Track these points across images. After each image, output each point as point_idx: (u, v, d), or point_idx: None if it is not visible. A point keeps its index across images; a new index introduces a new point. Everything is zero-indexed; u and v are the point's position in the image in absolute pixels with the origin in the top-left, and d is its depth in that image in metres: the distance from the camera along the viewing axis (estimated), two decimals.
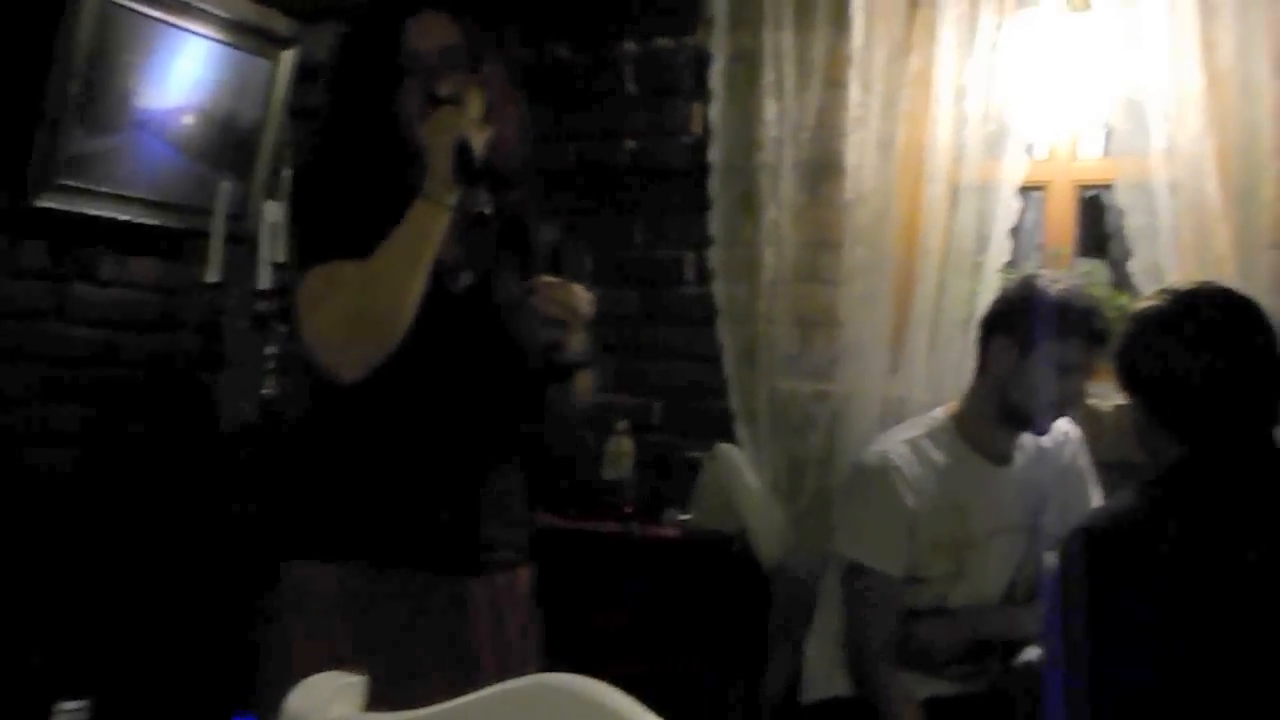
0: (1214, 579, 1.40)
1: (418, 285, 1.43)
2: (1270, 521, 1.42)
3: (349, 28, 1.58)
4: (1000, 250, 2.41)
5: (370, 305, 1.42)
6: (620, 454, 2.69)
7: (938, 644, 2.04)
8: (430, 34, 1.48)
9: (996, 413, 2.05)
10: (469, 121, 1.45)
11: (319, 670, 0.88)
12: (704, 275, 2.76)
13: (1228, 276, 2.18)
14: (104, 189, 2.61)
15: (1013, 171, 2.40)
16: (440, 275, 1.49)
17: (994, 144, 2.40)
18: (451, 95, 1.46)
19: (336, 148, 1.55)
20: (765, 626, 2.58)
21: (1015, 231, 2.46)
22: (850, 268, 2.54)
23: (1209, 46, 2.23)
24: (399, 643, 1.48)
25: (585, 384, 1.62)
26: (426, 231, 1.43)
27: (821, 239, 2.63)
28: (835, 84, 2.57)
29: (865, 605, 2.03)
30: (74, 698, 1.91)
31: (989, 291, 2.34)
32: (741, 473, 2.59)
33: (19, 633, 2.39)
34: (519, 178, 1.60)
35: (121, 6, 2.47)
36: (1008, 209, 2.40)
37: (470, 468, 1.55)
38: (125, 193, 2.65)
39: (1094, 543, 1.46)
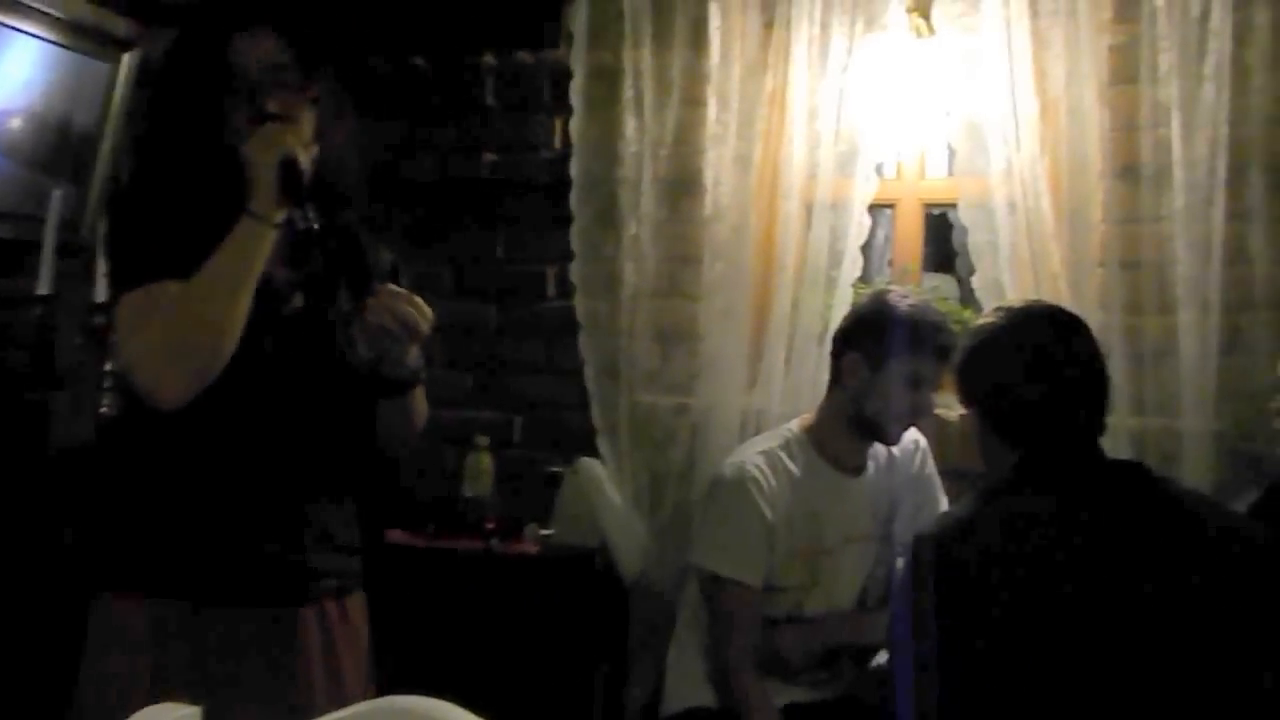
0: (1047, 582, 1.47)
1: (242, 305, 1.38)
2: (1098, 526, 1.50)
3: (174, 41, 1.52)
4: (853, 266, 2.48)
5: (192, 327, 1.37)
6: (480, 470, 2.66)
7: (794, 652, 2.08)
8: (258, 51, 1.46)
9: (849, 424, 2.10)
10: (296, 138, 1.42)
11: (132, 711, 0.84)
12: (565, 289, 2.75)
13: (1060, 293, 2.30)
14: None
15: (863, 189, 2.47)
16: (270, 298, 1.45)
17: (845, 163, 2.48)
18: (279, 112, 1.43)
19: (159, 164, 1.50)
20: (627, 640, 2.58)
21: (867, 247, 2.54)
22: (709, 283, 2.58)
23: (1042, 75, 2.36)
24: (225, 683, 1.42)
25: (420, 401, 1.59)
26: (251, 250, 1.39)
27: (681, 254, 2.66)
28: (693, 101, 2.61)
29: (726, 616, 2.06)
30: None
31: (842, 306, 2.41)
32: (603, 487, 2.59)
33: None
34: (352, 199, 1.56)
35: None
36: (859, 226, 2.48)
37: (297, 495, 1.50)
38: None
39: (936, 548, 1.51)
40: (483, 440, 2.69)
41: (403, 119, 2.91)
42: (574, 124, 2.68)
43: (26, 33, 2.51)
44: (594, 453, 2.65)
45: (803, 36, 2.48)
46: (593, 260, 2.69)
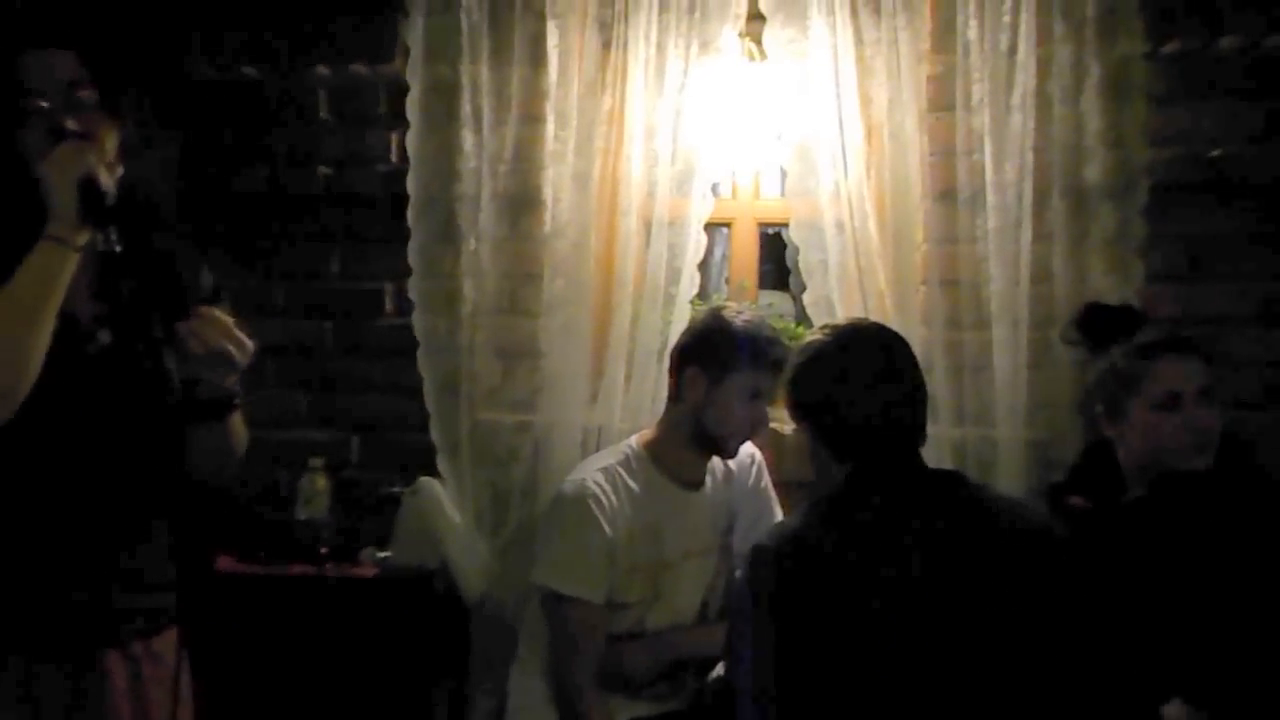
0: (876, 586, 1.53)
1: (41, 335, 1.31)
2: (920, 531, 1.57)
3: None
4: (690, 283, 2.53)
5: None
6: (315, 492, 2.58)
7: (637, 667, 2.10)
8: (49, 70, 1.39)
9: (688, 438, 2.14)
10: (96, 158, 1.35)
11: None
12: (403, 306, 2.70)
13: (886, 310, 2.41)
14: None
15: (700, 208, 2.52)
16: (74, 338, 1.38)
17: (682, 181, 2.52)
18: (78, 130, 1.36)
19: None
20: (468, 662, 2.55)
21: (704, 265, 2.60)
22: (550, 299, 2.58)
23: (866, 101, 2.47)
24: None
25: (239, 426, 1.54)
26: (50, 276, 1.31)
27: (521, 271, 2.66)
28: (532, 118, 2.61)
29: (568, 634, 2.05)
30: None
31: (680, 323, 2.45)
32: (443, 507, 2.55)
33: None
34: (164, 221, 1.50)
35: None
36: (696, 244, 2.53)
37: (101, 539, 1.43)
38: None
39: (770, 558, 1.56)
40: (318, 461, 2.61)
41: (231, 130, 2.80)
42: (411, 139, 2.64)
43: None
44: (434, 472, 2.60)
45: (640, 57, 2.52)
46: (431, 277, 2.65)
